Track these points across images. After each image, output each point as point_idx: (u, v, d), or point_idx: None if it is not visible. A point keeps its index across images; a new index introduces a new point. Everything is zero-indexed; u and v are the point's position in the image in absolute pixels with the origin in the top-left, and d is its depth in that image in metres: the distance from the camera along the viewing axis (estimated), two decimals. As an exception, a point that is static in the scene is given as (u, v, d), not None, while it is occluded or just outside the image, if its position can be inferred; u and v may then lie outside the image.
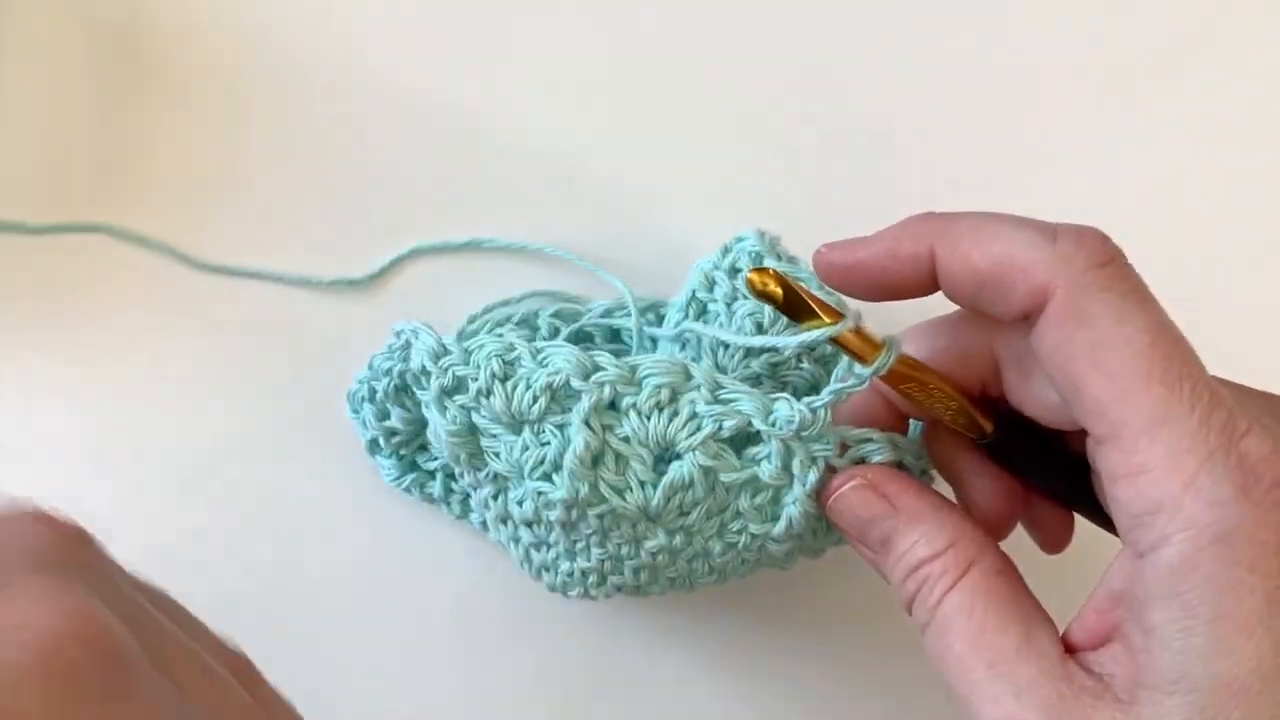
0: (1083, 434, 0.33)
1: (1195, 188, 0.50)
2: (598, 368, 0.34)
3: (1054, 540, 0.36)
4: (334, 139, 0.49)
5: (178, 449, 0.45)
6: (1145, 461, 0.27)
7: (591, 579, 0.37)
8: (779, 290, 0.31)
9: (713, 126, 0.50)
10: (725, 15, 0.51)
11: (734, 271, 0.39)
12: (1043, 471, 0.35)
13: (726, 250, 0.40)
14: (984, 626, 0.30)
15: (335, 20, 0.50)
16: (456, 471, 0.39)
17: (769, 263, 0.38)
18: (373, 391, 0.41)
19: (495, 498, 0.38)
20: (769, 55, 0.50)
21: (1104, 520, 0.35)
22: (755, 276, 0.31)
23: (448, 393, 0.36)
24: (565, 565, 0.37)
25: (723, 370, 0.39)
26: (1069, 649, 0.30)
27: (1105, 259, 0.29)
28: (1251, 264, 0.49)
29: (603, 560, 0.36)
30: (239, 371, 0.46)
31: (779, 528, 0.34)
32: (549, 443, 0.34)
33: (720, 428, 0.33)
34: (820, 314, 0.31)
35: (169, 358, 0.46)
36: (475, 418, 0.36)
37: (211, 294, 0.46)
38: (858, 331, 0.32)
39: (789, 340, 0.33)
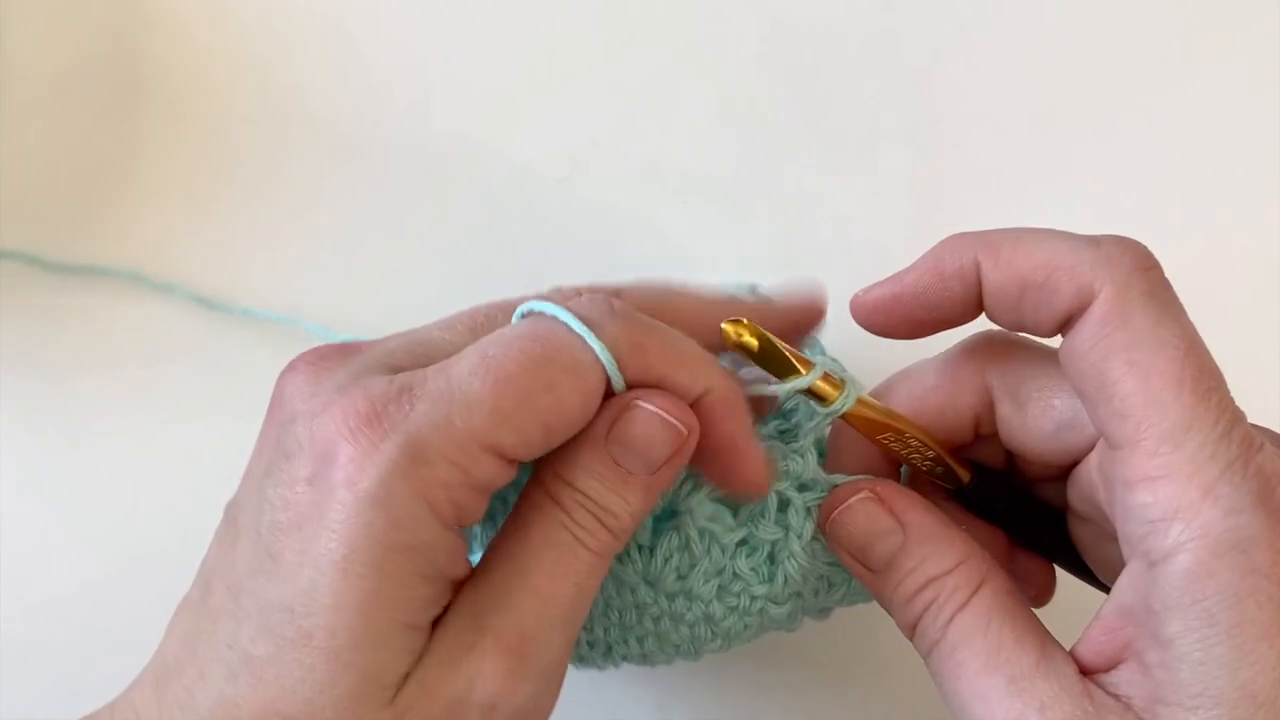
0: (1058, 485, 0.33)
1: (1199, 192, 0.49)
2: None
3: (1038, 593, 0.36)
4: (332, 145, 0.49)
5: (185, 475, 0.46)
6: (1166, 466, 0.27)
7: (598, 650, 0.37)
8: (754, 340, 0.32)
9: (713, 126, 0.49)
10: (727, 17, 0.51)
11: None
12: (1019, 520, 0.35)
13: None
14: (1001, 643, 0.30)
15: (334, 23, 0.50)
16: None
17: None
18: None
19: None
20: (770, 57, 0.50)
21: (1081, 571, 0.35)
22: (729, 328, 0.32)
23: None
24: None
25: None
26: (1080, 671, 0.29)
27: (1150, 264, 0.29)
28: (1257, 267, 0.49)
29: (607, 629, 0.36)
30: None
31: (778, 585, 0.34)
32: None
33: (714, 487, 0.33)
34: (794, 361, 0.32)
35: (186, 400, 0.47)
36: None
37: (220, 333, 0.47)
38: (828, 378, 0.33)
39: (780, 388, 0.33)
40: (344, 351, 0.31)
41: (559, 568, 0.30)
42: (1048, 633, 0.30)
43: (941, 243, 0.32)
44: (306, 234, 0.48)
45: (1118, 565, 0.31)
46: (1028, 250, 0.30)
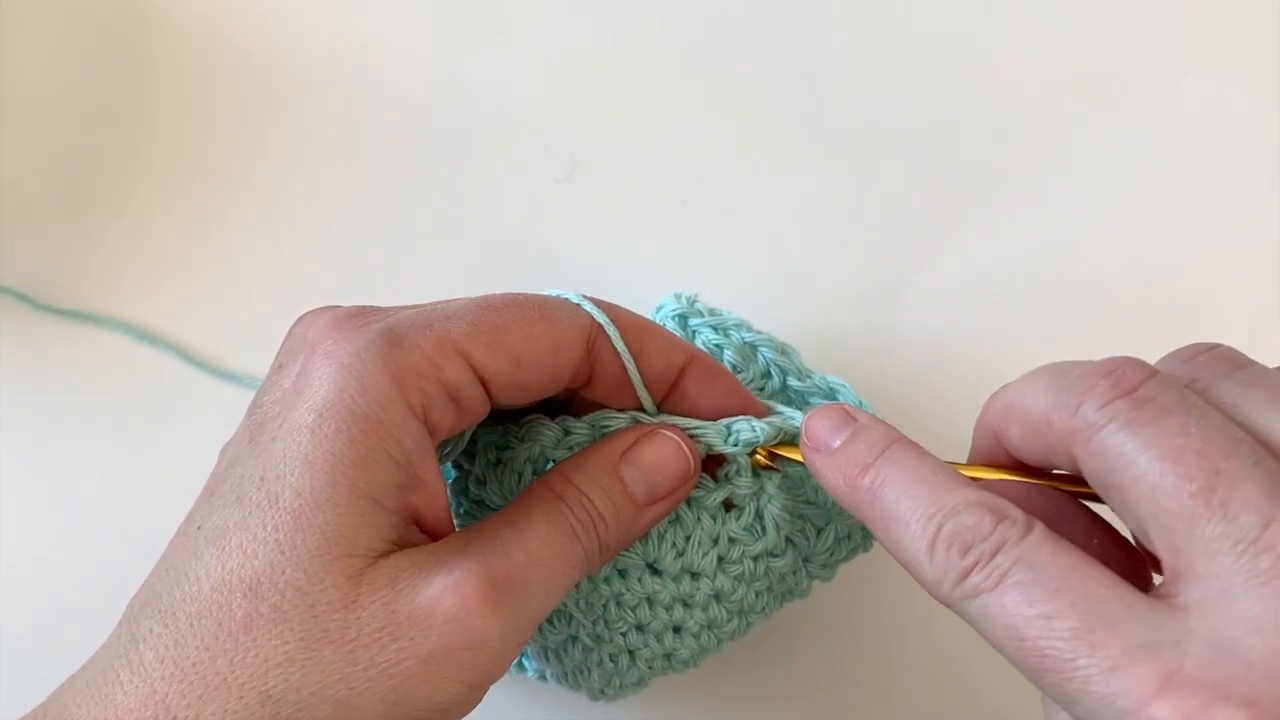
0: None
1: (1199, 192, 0.49)
2: (568, 432, 0.34)
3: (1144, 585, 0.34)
4: (329, 147, 0.49)
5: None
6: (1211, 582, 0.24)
7: (622, 661, 0.37)
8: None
9: (713, 126, 0.49)
10: (727, 18, 0.51)
11: None
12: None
13: None
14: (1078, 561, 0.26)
15: (334, 23, 0.50)
16: None
17: (694, 323, 0.38)
18: None
19: None
20: (770, 58, 0.50)
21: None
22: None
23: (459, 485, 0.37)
24: (595, 657, 0.37)
25: None
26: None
27: (1103, 419, 0.26)
28: (1257, 267, 0.49)
29: (625, 634, 0.36)
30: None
31: (770, 535, 0.35)
32: None
33: None
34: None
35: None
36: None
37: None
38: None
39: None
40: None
41: (554, 540, 0.31)
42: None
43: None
44: (295, 242, 0.48)
45: None
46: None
